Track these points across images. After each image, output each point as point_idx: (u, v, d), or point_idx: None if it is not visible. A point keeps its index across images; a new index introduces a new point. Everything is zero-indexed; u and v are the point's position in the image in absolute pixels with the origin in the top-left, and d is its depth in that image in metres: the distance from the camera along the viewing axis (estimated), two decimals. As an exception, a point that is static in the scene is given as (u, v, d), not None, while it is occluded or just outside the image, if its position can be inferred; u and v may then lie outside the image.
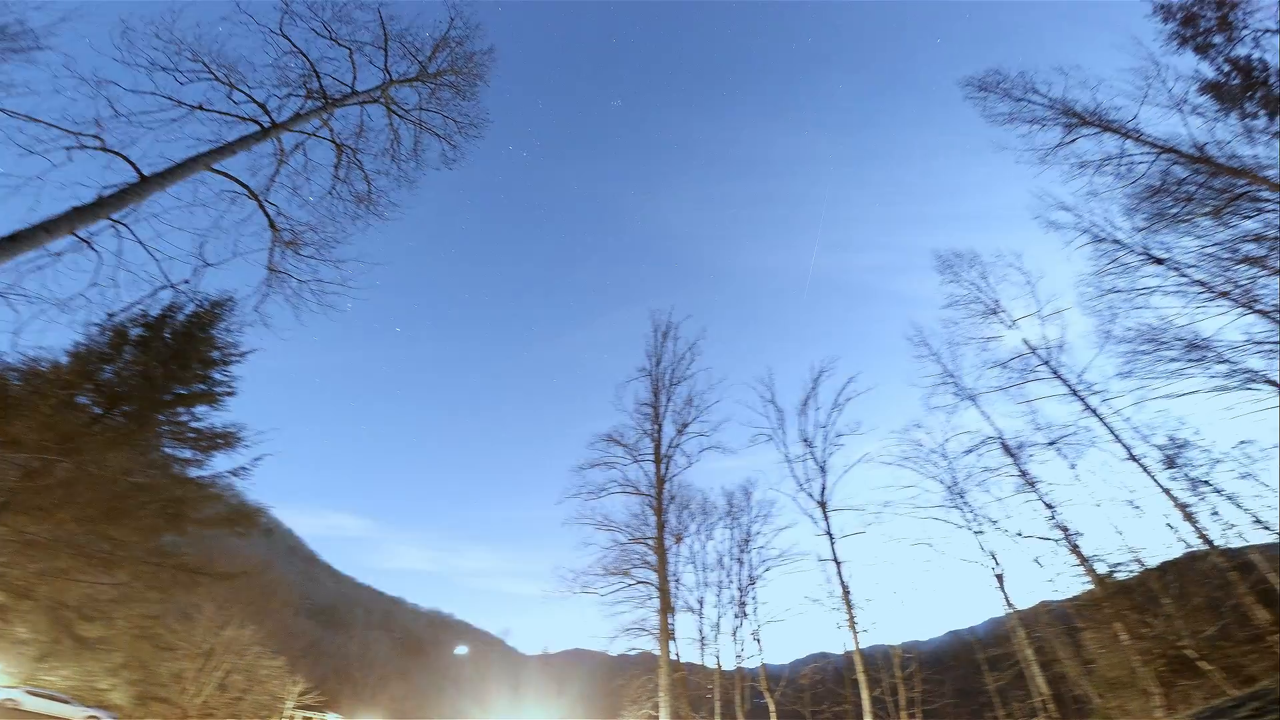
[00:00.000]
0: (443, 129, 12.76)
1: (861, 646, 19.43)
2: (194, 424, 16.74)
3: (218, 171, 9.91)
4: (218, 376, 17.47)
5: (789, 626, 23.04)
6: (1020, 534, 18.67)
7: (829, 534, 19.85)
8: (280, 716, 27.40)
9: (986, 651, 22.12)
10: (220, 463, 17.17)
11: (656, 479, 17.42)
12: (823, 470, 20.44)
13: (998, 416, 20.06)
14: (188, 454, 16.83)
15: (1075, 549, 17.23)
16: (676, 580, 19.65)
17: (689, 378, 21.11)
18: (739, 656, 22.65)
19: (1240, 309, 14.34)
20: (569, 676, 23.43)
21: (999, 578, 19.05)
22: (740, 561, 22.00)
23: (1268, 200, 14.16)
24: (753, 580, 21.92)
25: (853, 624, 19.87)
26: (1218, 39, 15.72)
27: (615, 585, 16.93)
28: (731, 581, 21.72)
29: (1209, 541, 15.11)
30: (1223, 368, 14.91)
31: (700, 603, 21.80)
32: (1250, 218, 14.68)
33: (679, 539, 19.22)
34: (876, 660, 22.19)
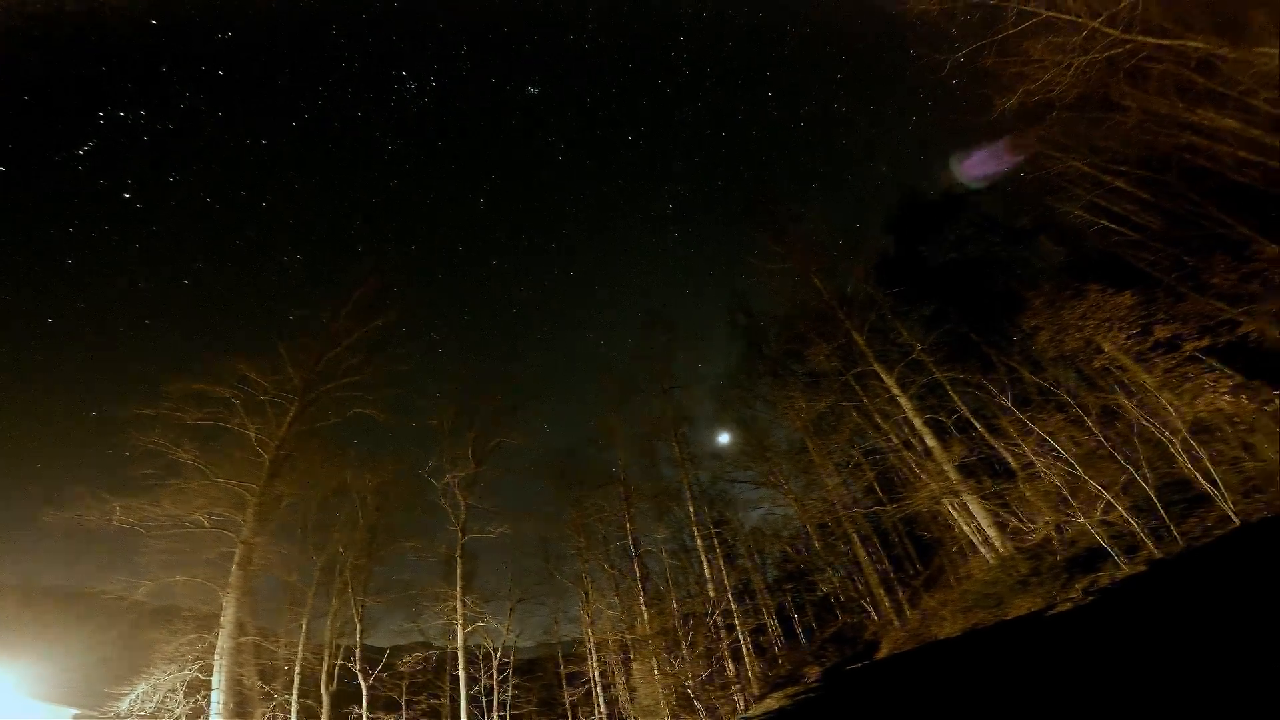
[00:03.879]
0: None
1: (466, 644, 19.89)
2: None
3: None
4: None
5: (397, 611, 22.57)
6: (608, 566, 22.40)
7: (462, 528, 20.53)
8: None
9: (567, 667, 24.74)
10: None
11: (287, 422, 15.77)
12: (476, 463, 21.11)
13: (631, 466, 23.60)
14: None
15: (643, 589, 21.06)
16: (272, 535, 17.89)
17: (376, 327, 18.82)
18: (335, 632, 21.40)
19: (797, 429, 20.02)
20: (65, 619, 18.57)
21: (585, 599, 22.22)
22: (367, 533, 21.27)
23: (850, 351, 18.62)
24: (372, 556, 21.37)
25: (463, 620, 20.38)
26: (916, 233, 21.34)
27: (178, 524, 14.52)
28: (347, 550, 20.77)
29: (716, 602, 20.19)
30: (766, 467, 20.74)
31: (300, 566, 20.16)
32: (831, 359, 19.23)
33: (292, 493, 17.66)
34: (477, 659, 22.99)
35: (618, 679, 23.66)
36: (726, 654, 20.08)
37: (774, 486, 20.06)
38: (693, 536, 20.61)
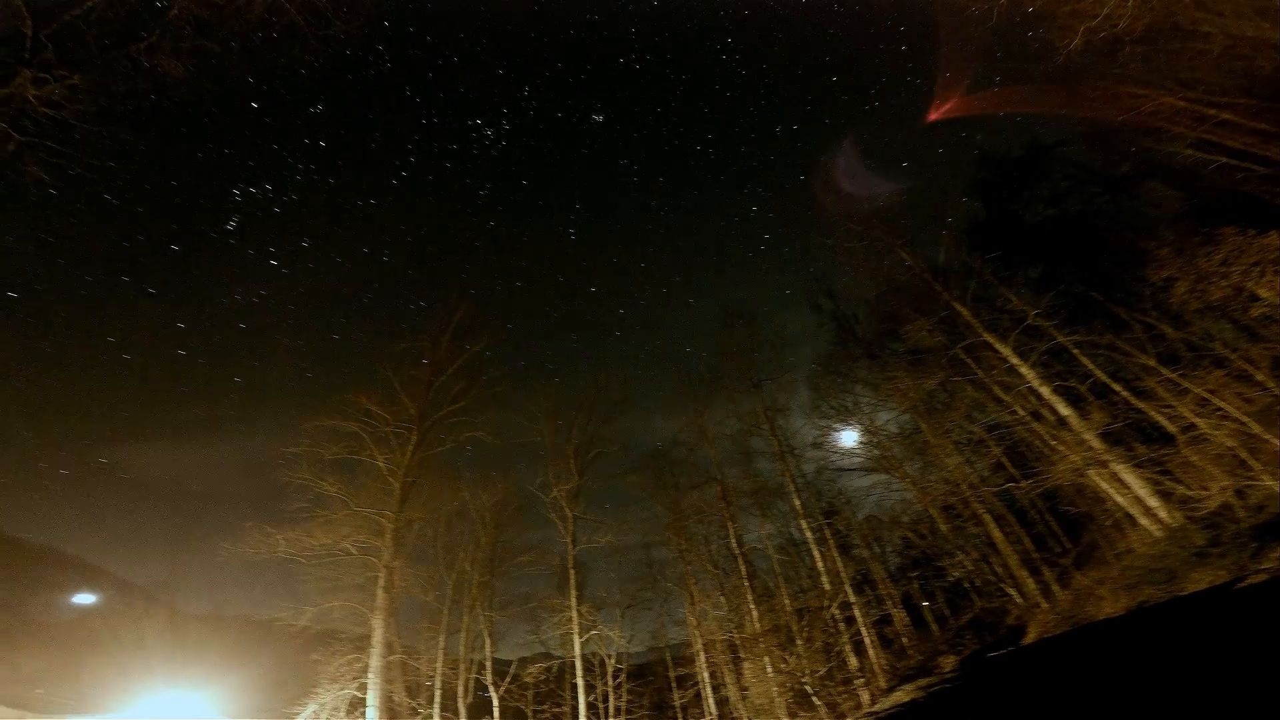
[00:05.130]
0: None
1: (583, 652, 20.39)
2: None
3: None
4: None
5: (520, 624, 23.52)
6: (711, 566, 22.35)
7: (572, 539, 21.16)
8: None
9: (676, 670, 24.85)
10: None
11: (410, 450, 16.88)
12: (579, 475, 21.67)
13: (727, 464, 23.10)
14: None
15: (751, 586, 20.88)
16: (409, 558, 19.14)
17: (478, 354, 19.87)
18: (469, 647, 22.57)
19: (900, 411, 19.26)
20: (246, 644, 20.72)
21: (691, 600, 22.28)
22: (488, 552, 22.36)
23: (955, 323, 17.69)
24: (494, 573, 22.42)
25: (579, 629, 20.95)
26: (1004, 193, 20.18)
27: (330, 553, 15.80)
28: (473, 568, 21.95)
29: (833, 595, 19.73)
30: (877, 453, 20.04)
31: (434, 585, 21.51)
32: (934, 334, 18.28)
33: (420, 517, 18.82)
34: (593, 666, 23.54)
35: (728, 679, 23.47)
36: (848, 647, 19.56)
37: (887, 471, 19.48)
38: (801, 530, 20.27)
